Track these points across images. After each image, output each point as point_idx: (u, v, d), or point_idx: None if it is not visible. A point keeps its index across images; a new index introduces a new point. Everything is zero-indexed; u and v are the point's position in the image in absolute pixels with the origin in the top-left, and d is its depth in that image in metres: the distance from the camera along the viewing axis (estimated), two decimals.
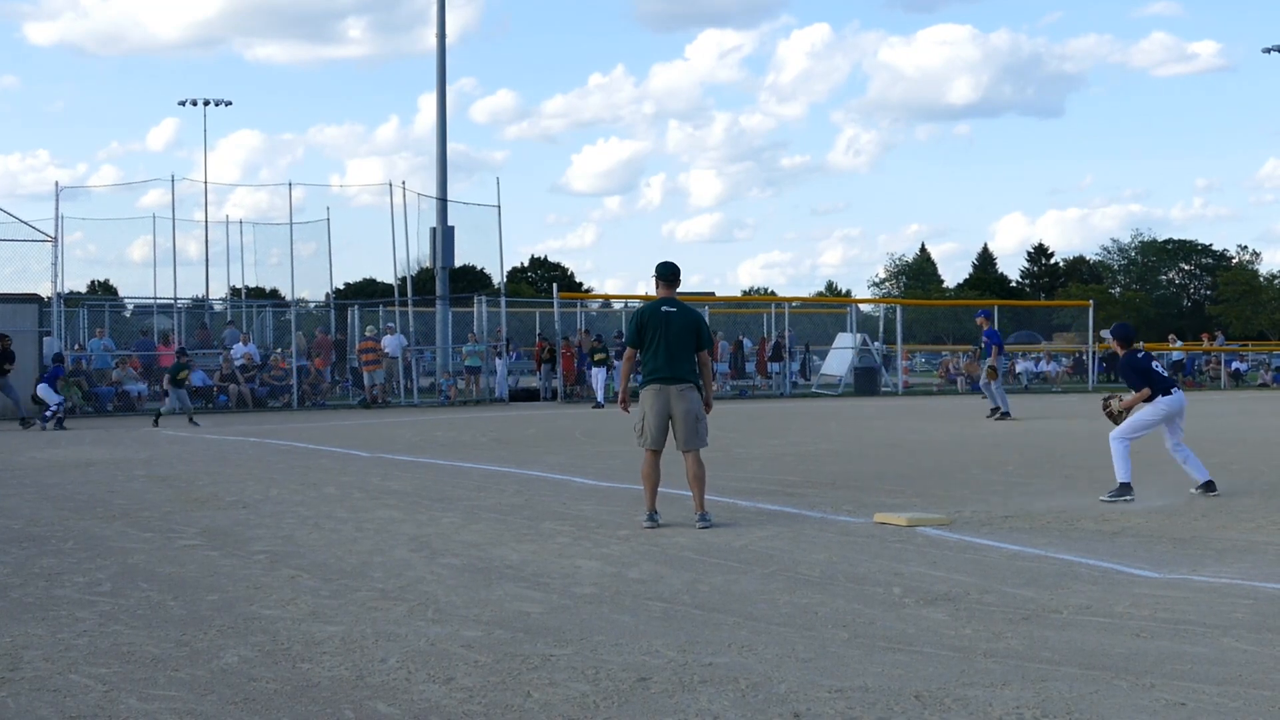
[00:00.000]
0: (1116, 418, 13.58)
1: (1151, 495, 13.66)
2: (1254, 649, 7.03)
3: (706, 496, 11.65)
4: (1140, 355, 13.74)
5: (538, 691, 6.30)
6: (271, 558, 10.38)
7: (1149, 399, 13.28)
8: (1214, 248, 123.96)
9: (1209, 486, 13.37)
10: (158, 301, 44.40)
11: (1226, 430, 25.03)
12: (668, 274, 12.00)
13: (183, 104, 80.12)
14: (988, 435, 24.30)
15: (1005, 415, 27.97)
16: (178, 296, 44.33)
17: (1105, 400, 14.24)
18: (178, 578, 9.53)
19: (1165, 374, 13.51)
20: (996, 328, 29.74)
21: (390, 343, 38.77)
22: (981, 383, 29.01)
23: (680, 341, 11.50)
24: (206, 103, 78.65)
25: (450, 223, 42.31)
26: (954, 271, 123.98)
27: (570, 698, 6.19)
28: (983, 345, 29.20)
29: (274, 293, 46.40)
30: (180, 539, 11.43)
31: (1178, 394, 13.40)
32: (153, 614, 8.18)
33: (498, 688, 6.39)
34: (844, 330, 52.34)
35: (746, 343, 48.93)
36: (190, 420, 27.92)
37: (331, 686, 6.45)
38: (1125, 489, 13.06)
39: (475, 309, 43.05)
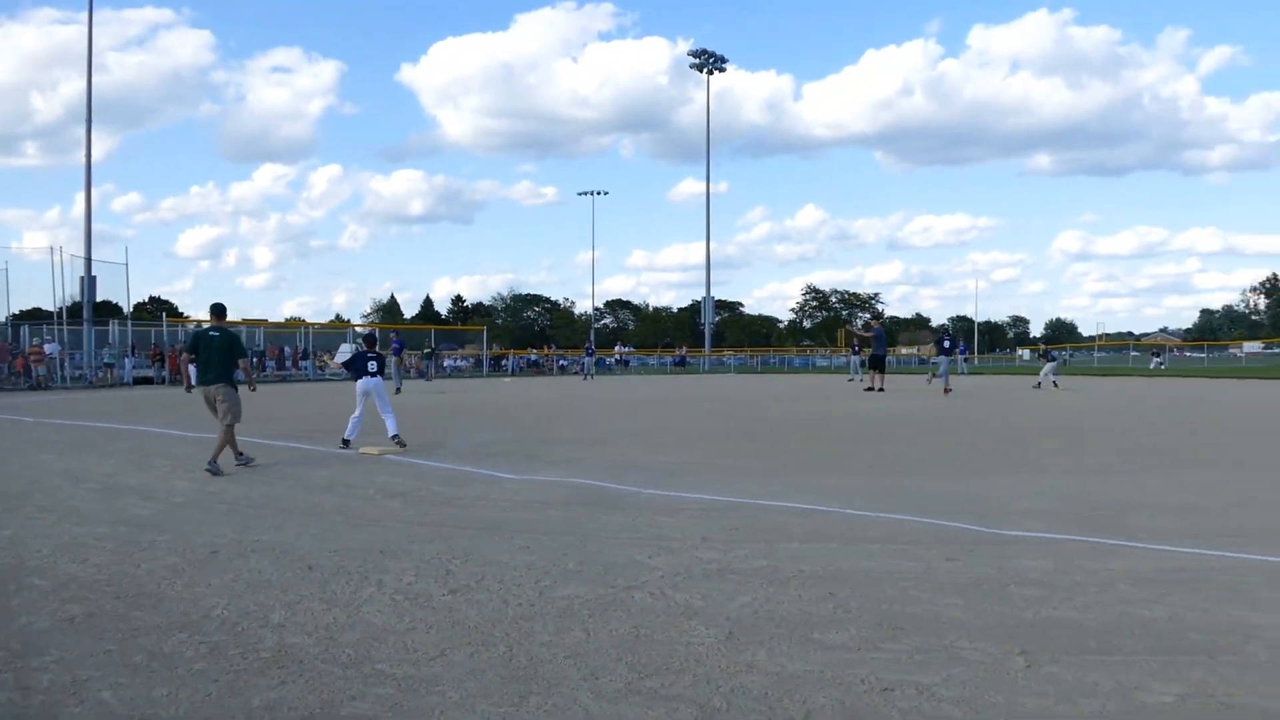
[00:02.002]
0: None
1: (490, 432, 14.05)
2: (565, 514, 7.31)
3: (224, 442, 10.35)
4: (366, 354, 12.37)
5: (145, 564, 5.76)
6: None
7: (355, 379, 12.27)
8: (553, 298, 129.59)
9: (396, 439, 11.91)
10: None
11: (546, 398, 26.02)
12: (215, 310, 11.10)
13: None
14: (438, 401, 24.18)
15: (399, 390, 26.67)
16: None
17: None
18: None
19: (370, 368, 12.21)
20: (402, 339, 29.55)
21: (50, 348, 34.89)
22: (397, 370, 28.54)
23: (219, 356, 10.58)
24: None
25: (94, 274, 38.77)
26: (410, 309, 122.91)
27: (167, 565, 5.70)
28: (394, 349, 28.95)
29: None
30: None
31: (368, 380, 12.12)
32: None
33: (119, 563, 5.79)
34: (345, 342, 51.02)
35: (286, 349, 46.55)
36: None
37: (1, 571, 5.65)
38: (346, 444, 11.85)
39: (110, 327, 39.69)
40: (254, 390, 11.52)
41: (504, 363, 59.64)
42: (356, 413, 12.36)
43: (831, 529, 6.64)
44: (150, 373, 38.20)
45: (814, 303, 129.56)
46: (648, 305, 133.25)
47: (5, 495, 8.55)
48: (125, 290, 43.06)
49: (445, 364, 53.69)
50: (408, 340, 39.86)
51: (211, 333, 10.82)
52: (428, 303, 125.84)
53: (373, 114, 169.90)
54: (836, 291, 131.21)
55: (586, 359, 48.76)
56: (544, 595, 4.99)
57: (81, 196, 39.26)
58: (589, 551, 5.97)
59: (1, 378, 33.25)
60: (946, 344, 26.26)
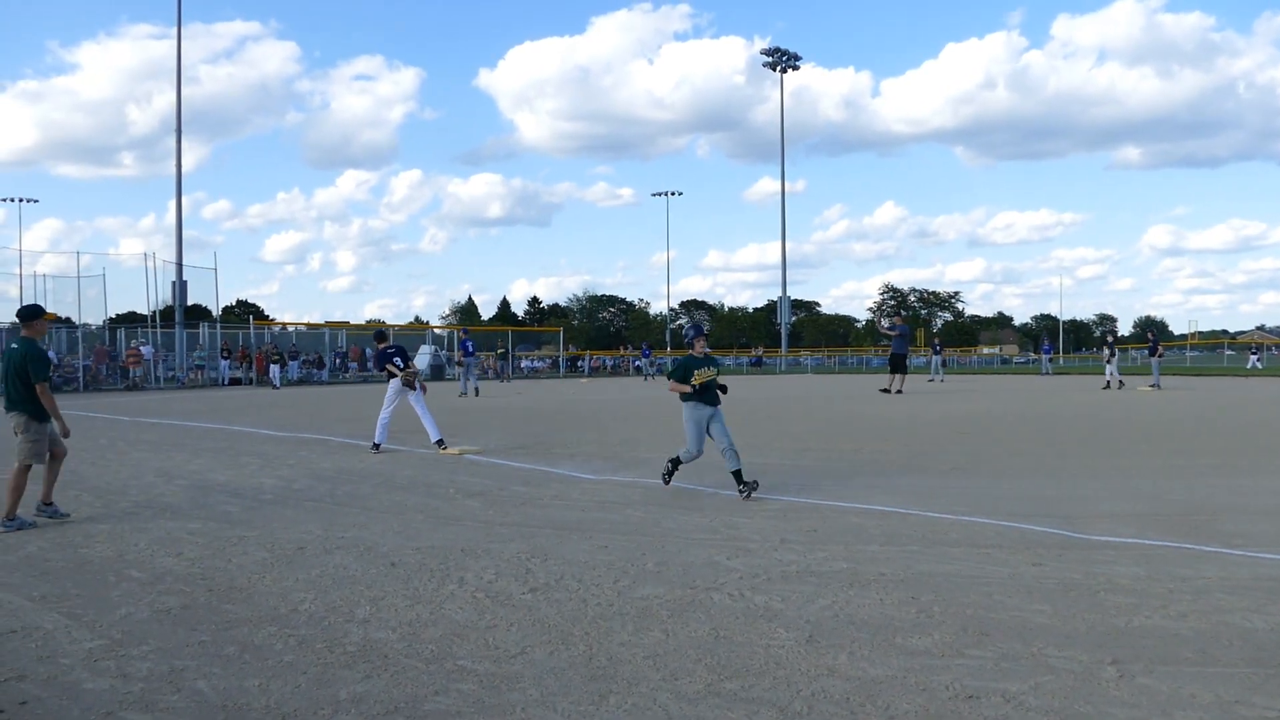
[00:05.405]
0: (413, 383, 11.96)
1: (567, 433, 14.10)
2: (643, 514, 7.34)
3: None
4: (389, 349, 12.24)
5: (236, 558, 5.93)
6: (62, 484, 9.26)
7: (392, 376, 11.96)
8: (628, 299, 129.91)
9: (440, 443, 11.63)
10: None
11: (637, 400, 26.03)
12: (22, 315, 8.24)
13: (4, 200, 72.44)
14: (509, 402, 24.43)
15: (463, 394, 26.30)
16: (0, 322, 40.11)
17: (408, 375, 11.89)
18: None
19: (400, 365, 11.96)
20: (469, 339, 28.79)
21: (145, 350, 36.32)
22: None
23: (13, 375, 7.85)
24: (21, 200, 71.59)
25: (185, 278, 40.11)
26: (488, 310, 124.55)
27: (257, 560, 5.86)
28: (464, 350, 28.71)
29: (67, 319, 42.01)
30: None
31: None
32: None
33: (210, 557, 5.97)
34: (425, 343, 51.84)
35: (368, 351, 47.56)
36: None
37: (100, 563, 5.87)
38: (376, 448, 11.75)
39: (201, 330, 40.95)
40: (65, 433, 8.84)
41: (580, 363, 60.05)
42: (386, 414, 12.00)
43: (911, 531, 6.54)
44: (239, 374, 39.36)
45: (893, 302, 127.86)
46: (723, 305, 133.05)
47: (104, 490, 8.90)
48: (214, 294, 44.12)
49: (522, 365, 54.34)
50: (479, 341, 39.67)
51: (14, 345, 8.25)
52: (505, 304, 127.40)
53: (452, 119, 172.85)
54: (916, 290, 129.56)
55: (644, 360, 48.63)
56: (623, 595, 5.00)
57: (174, 204, 40.31)
58: (667, 552, 5.97)
59: (100, 378, 34.52)
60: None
